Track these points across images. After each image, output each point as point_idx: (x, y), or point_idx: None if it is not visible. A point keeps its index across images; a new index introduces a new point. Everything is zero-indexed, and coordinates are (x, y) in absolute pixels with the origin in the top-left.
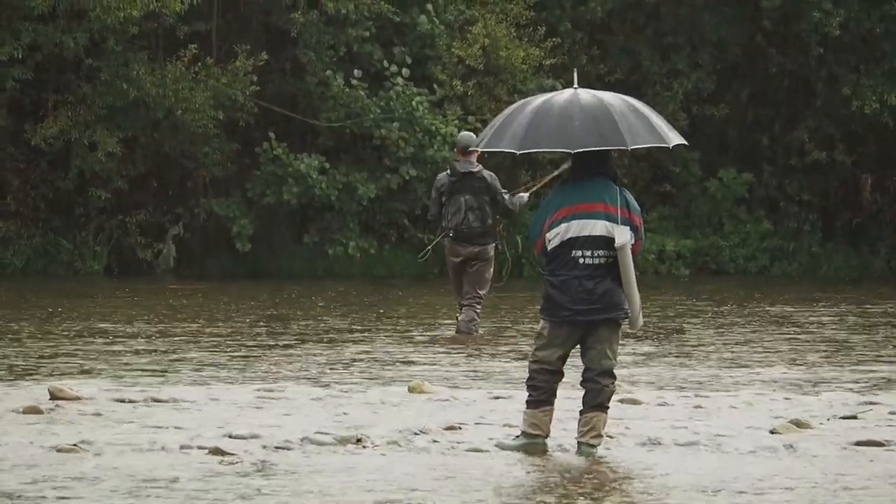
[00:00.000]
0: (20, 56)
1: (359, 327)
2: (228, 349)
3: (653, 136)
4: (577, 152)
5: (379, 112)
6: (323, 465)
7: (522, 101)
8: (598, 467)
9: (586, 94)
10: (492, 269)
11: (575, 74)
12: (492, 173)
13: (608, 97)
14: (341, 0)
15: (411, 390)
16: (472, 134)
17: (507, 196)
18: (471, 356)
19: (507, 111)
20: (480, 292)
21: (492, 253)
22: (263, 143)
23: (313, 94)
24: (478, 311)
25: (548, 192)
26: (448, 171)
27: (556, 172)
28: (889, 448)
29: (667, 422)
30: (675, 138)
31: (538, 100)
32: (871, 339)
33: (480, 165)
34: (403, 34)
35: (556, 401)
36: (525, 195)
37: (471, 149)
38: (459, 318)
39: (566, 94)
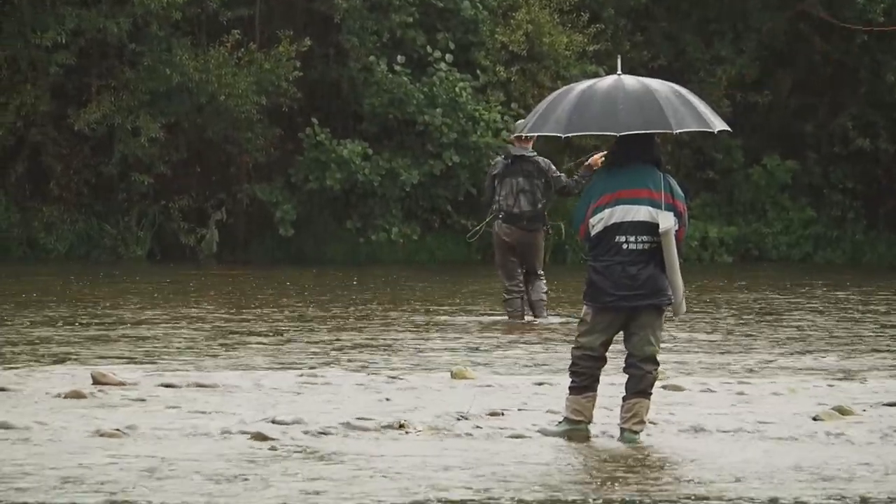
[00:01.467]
0: (63, 41)
1: (402, 312)
2: (270, 334)
3: (697, 120)
4: (622, 137)
5: (422, 98)
6: (365, 450)
7: (566, 86)
8: (640, 454)
9: (631, 80)
10: (542, 250)
11: (619, 61)
12: (546, 159)
13: (653, 82)
14: None
15: (454, 376)
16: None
17: (563, 177)
18: (514, 342)
19: (550, 97)
20: (540, 272)
21: (541, 239)
22: (306, 129)
23: (356, 80)
24: (544, 290)
25: (591, 178)
26: (503, 156)
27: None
28: None
29: (710, 408)
30: (719, 124)
31: (582, 85)
32: None
33: (535, 152)
34: (447, 20)
35: (599, 387)
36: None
37: (515, 134)
38: (532, 299)
39: (610, 79)
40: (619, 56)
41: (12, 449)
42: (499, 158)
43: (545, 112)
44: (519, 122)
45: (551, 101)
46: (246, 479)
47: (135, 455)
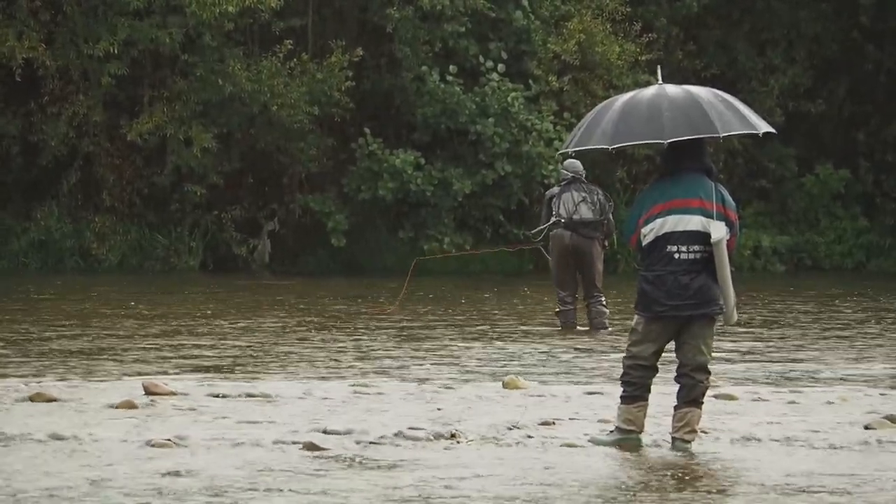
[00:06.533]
0: (116, 52)
1: (454, 323)
2: (323, 344)
3: (742, 123)
4: (671, 146)
5: (474, 108)
6: (417, 460)
7: (607, 100)
8: (692, 463)
9: (673, 88)
10: (602, 262)
11: (659, 70)
12: (608, 196)
13: (695, 89)
14: None
15: (505, 386)
16: (576, 161)
17: (612, 222)
18: (565, 351)
19: (593, 111)
20: (599, 285)
21: (599, 248)
22: (359, 139)
23: (409, 90)
24: (604, 303)
25: (642, 187)
26: (560, 183)
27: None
28: None
29: (761, 417)
30: (764, 126)
31: (625, 96)
32: None
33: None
34: (499, 29)
35: (651, 396)
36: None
37: (560, 151)
38: (592, 319)
39: (652, 88)
40: (659, 66)
41: (62, 460)
42: (554, 188)
43: (589, 126)
44: (567, 161)
45: (595, 116)
46: (297, 489)
47: (186, 464)
